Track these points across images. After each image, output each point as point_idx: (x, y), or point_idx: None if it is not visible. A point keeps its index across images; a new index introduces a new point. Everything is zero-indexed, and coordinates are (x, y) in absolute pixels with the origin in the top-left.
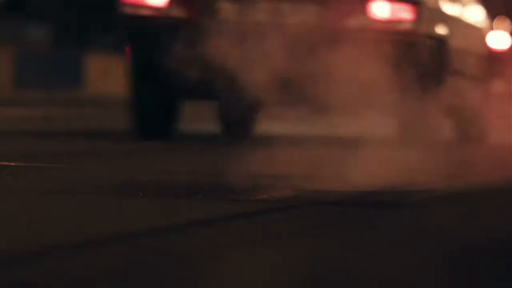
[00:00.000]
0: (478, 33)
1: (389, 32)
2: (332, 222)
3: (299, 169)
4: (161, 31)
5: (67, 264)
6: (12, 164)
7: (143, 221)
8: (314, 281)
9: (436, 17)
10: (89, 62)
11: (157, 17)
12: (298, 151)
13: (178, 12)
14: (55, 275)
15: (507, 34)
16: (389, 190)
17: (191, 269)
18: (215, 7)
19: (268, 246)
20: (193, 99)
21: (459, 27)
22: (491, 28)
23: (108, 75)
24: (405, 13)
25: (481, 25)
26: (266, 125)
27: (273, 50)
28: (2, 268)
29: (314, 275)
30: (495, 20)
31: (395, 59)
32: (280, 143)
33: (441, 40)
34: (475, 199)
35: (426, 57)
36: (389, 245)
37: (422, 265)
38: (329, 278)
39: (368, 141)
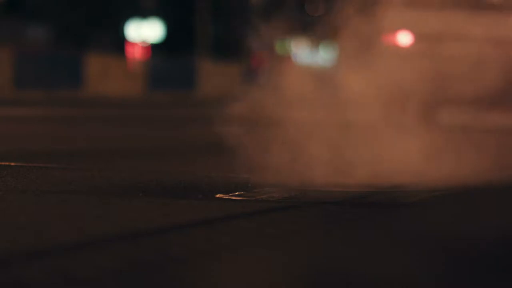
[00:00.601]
0: None
1: None
2: (332, 222)
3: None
4: (408, 57)
5: (67, 264)
6: (12, 164)
7: (143, 221)
8: (314, 281)
9: None
10: (89, 62)
11: (405, 49)
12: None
13: (418, 47)
14: (55, 275)
15: None
16: (389, 190)
17: (191, 269)
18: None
19: (268, 246)
20: None
21: None
22: None
23: (108, 75)
24: None
25: None
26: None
27: (473, 69)
28: (2, 268)
29: (314, 275)
30: None
31: None
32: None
33: None
34: (475, 199)
35: None
36: (389, 245)
37: (422, 265)
38: (329, 278)
39: None
